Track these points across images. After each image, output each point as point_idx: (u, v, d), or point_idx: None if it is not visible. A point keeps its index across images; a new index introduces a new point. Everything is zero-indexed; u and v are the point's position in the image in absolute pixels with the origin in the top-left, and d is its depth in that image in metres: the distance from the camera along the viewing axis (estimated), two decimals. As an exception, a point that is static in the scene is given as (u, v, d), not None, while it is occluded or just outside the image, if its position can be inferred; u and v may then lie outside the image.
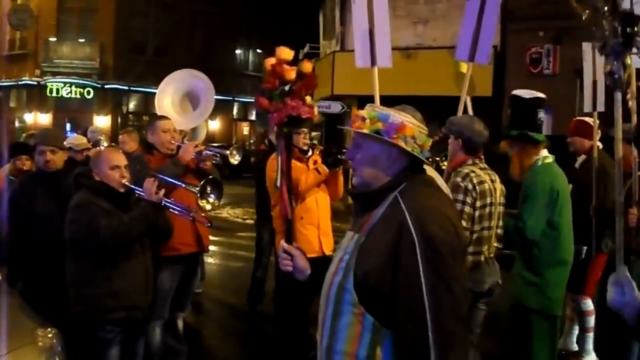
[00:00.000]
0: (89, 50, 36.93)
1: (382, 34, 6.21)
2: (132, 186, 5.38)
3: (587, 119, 7.08)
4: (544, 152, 5.41)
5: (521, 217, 5.26)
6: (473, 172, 5.08)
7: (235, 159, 6.70)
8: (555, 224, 5.25)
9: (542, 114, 5.42)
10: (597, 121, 6.92)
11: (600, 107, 6.95)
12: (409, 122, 3.01)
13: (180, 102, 6.88)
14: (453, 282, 2.71)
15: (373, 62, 6.23)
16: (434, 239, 2.73)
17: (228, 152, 6.65)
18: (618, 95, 2.82)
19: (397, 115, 3.02)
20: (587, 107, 6.91)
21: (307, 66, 3.80)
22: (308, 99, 3.75)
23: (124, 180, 5.32)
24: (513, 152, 5.50)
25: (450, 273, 2.71)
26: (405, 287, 2.73)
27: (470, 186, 5.01)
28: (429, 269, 2.70)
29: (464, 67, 7.03)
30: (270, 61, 3.77)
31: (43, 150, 6.11)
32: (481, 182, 5.08)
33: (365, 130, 3.03)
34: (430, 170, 4.90)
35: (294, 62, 3.79)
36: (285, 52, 3.77)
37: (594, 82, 6.94)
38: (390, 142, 2.97)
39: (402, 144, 2.96)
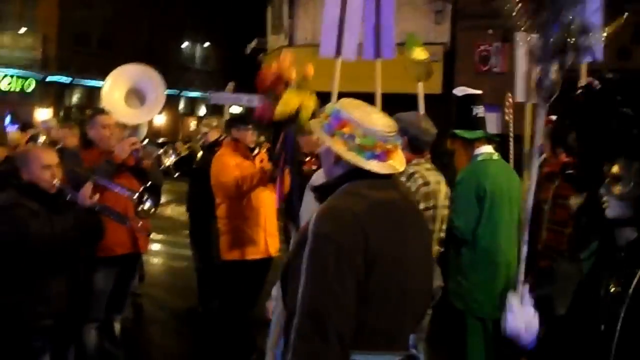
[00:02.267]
0: (30, 40, 36.04)
1: (353, 26, 6.35)
2: (64, 187, 5.13)
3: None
4: (485, 149, 5.34)
5: (451, 217, 5.15)
6: (418, 172, 4.90)
7: (169, 160, 6.62)
8: (487, 223, 5.14)
9: (478, 111, 5.35)
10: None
11: (533, 99, 6.78)
12: (356, 119, 2.93)
13: (128, 97, 6.71)
14: (325, 281, 2.68)
15: (338, 52, 6.29)
16: (319, 235, 2.74)
17: (161, 151, 6.56)
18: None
19: (347, 111, 2.97)
20: (520, 97, 6.76)
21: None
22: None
23: (55, 181, 5.05)
24: (456, 154, 5.50)
25: (325, 272, 2.69)
26: (293, 277, 2.81)
27: (413, 187, 4.85)
28: (307, 264, 2.73)
29: (419, 54, 6.97)
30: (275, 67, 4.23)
31: None
32: (426, 184, 4.92)
33: (315, 124, 3.10)
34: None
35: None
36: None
37: (528, 72, 6.78)
38: (325, 139, 2.98)
39: (337, 140, 2.93)
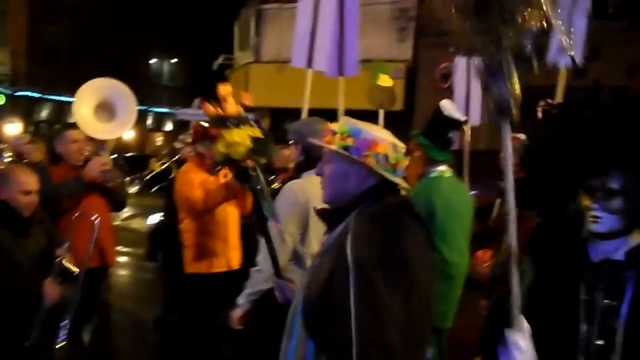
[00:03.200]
0: (0, 55, 35.93)
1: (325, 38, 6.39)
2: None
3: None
4: (440, 167, 5.38)
5: None
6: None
7: (133, 189, 6.60)
8: (440, 239, 5.11)
9: (452, 135, 5.35)
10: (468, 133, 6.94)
11: (475, 120, 6.92)
12: (382, 138, 2.92)
13: (98, 111, 6.65)
14: (383, 311, 2.56)
15: (309, 64, 6.35)
16: (366, 264, 2.62)
17: (128, 179, 6.53)
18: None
19: (370, 131, 2.93)
20: (474, 120, 6.92)
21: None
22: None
23: (31, 208, 5.12)
24: (412, 157, 5.32)
25: (381, 301, 2.57)
26: (336, 312, 2.66)
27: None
28: (357, 296, 2.59)
29: (385, 81, 7.12)
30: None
31: None
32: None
33: (333, 147, 2.96)
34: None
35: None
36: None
37: (467, 94, 6.99)
38: (359, 161, 2.89)
39: (372, 162, 2.87)
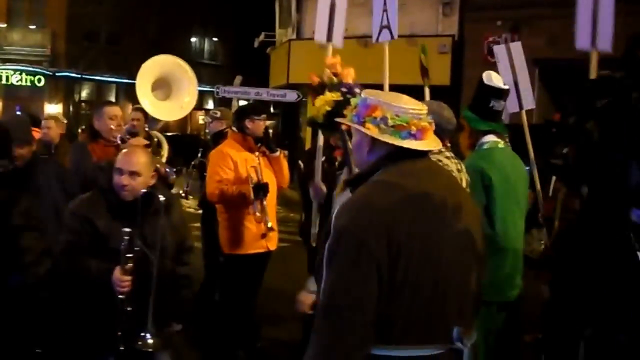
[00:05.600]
0: (40, 37, 36.34)
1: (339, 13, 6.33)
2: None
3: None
4: (491, 137, 5.22)
5: None
6: (440, 161, 4.87)
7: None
8: (494, 212, 5.01)
9: (496, 104, 5.18)
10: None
11: (528, 105, 6.77)
12: (383, 102, 2.87)
13: (155, 89, 6.67)
14: (343, 277, 2.69)
15: (329, 38, 6.30)
16: (339, 229, 2.73)
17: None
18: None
19: (375, 98, 2.92)
20: (513, 107, 6.75)
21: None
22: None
23: (130, 192, 4.53)
24: (463, 132, 5.35)
25: (343, 267, 2.69)
26: (319, 270, 2.84)
27: None
28: (327, 257, 2.75)
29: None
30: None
31: None
32: None
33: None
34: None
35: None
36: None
37: (515, 83, 6.78)
38: (359, 128, 2.91)
39: (371, 126, 2.86)
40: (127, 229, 4.32)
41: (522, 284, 5.27)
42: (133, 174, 4.44)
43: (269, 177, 6.63)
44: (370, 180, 2.87)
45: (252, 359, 7.00)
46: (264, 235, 6.54)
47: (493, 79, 5.18)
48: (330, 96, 4.21)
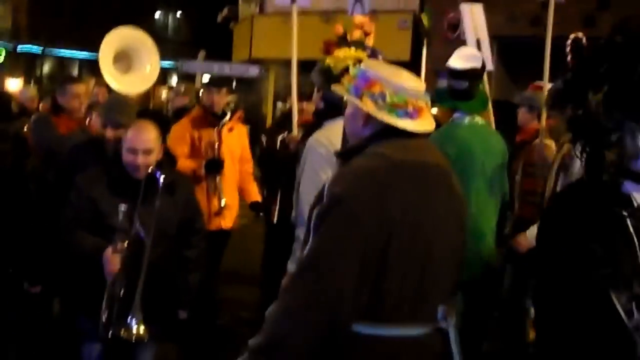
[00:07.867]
0: (0, 9, 35.62)
1: None
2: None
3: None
4: (458, 114, 5.18)
5: None
6: None
7: None
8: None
9: (455, 83, 5.15)
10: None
11: (489, 66, 6.76)
12: (382, 78, 2.85)
13: (116, 62, 6.51)
14: (330, 244, 2.68)
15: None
16: (333, 196, 2.71)
17: None
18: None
19: (374, 71, 2.90)
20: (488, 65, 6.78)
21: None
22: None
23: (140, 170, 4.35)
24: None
25: (332, 234, 2.68)
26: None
27: None
28: (316, 222, 2.75)
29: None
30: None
31: None
32: None
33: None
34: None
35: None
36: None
37: (477, 41, 6.78)
38: (356, 100, 2.87)
39: (367, 101, 2.83)
40: (123, 205, 4.16)
41: (488, 264, 5.08)
42: (147, 151, 4.28)
43: (230, 154, 6.57)
44: (367, 152, 2.83)
45: (213, 338, 6.74)
46: (217, 213, 6.45)
47: (452, 59, 5.19)
48: (355, 53, 4.17)
